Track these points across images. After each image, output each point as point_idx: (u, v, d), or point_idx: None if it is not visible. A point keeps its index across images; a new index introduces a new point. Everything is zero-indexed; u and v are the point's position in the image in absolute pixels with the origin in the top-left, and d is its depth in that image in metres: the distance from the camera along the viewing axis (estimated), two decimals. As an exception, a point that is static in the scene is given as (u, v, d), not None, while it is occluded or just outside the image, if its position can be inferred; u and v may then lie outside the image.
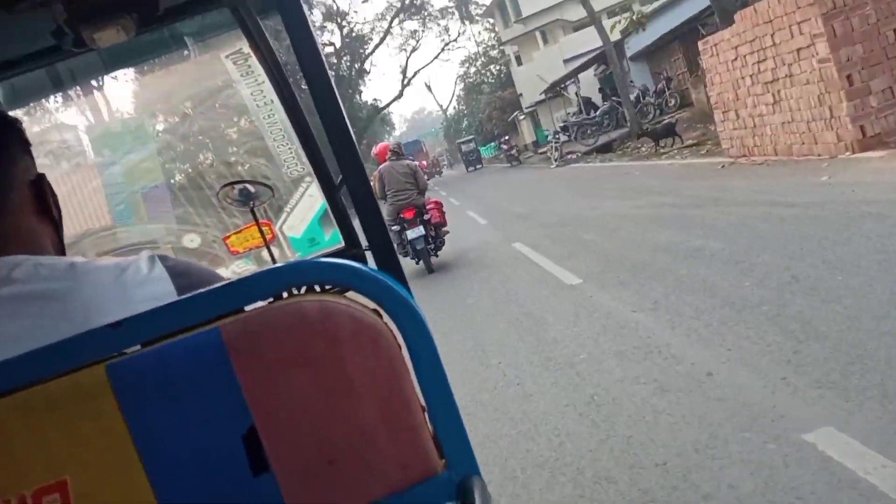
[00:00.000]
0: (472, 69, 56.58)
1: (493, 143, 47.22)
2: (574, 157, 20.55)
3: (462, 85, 59.22)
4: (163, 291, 0.85)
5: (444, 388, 0.69)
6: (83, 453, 0.63)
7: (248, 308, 0.69)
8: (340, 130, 0.95)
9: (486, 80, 54.61)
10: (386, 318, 0.69)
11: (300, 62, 0.97)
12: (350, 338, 0.66)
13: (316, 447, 0.65)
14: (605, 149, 19.76)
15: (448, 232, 8.67)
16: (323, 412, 0.65)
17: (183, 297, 0.70)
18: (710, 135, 13.44)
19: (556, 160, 20.71)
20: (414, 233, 7.76)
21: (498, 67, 51.34)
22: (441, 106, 73.42)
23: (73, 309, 0.79)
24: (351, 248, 2.04)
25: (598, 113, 22.69)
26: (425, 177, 8.11)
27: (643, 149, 16.63)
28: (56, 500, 0.62)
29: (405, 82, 44.27)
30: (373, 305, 0.69)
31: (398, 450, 0.67)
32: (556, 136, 22.11)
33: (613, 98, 22.34)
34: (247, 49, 2.79)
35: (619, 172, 14.73)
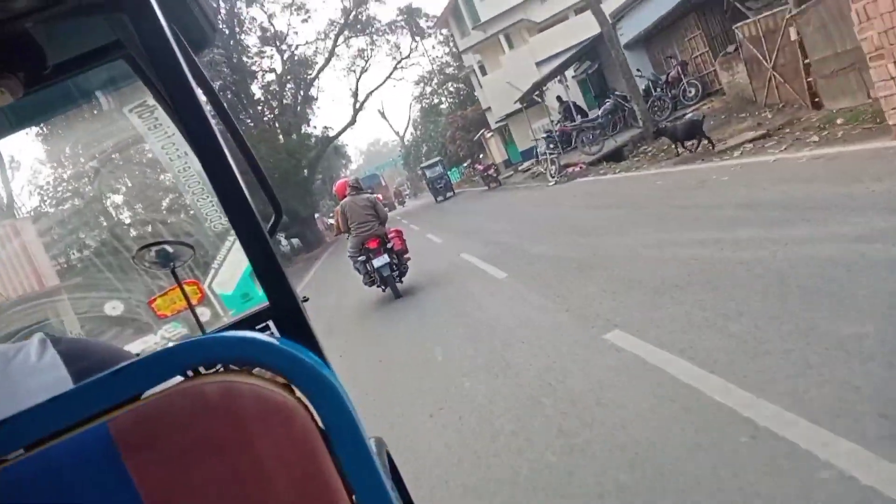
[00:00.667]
0: (429, 89, 53.92)
1: (458, 166, 44.54)
2: (577, 169, 16.72)
3: (419, 108, 57.00)
4: (54, 380, 0.77)
5: (370, 467, 0.64)
6: None
7: (146, 394, 0.64)
8: (221, 170, 0.89)
9: (444, 99, 52.27)
10: (299, 393, 0.64)
11: (159, 74, 0.88)
12: (257, 420, 0.61)
13: None
14: (615, 156, 16.34)
15: (410, 258, 9.25)
16: None
17: (70, 389, 0.64)
18: (797, 119, 9.52)
19: (553, 175, 17.29)
20: (380, 261, 8.17)
21: (457, 85, 48.89)
22: (397, 133, 70.94)
23: None
24: (280, 305, 1.96)
25: (599, 113, 19.22)
26: (385, 209, 8.78)
27: (662, 154, 13.18)
28: None
29: (357, 107, 40.75)
30: (283, 380, 0.64)
31: None
32: (551, 147, 18.88)
33: (616, 93, 19.18)
34: (151, 101, 2.71)
35: (678, 185, 8.89)
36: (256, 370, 0.64)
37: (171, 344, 0.65)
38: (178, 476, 0.59)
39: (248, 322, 2.09)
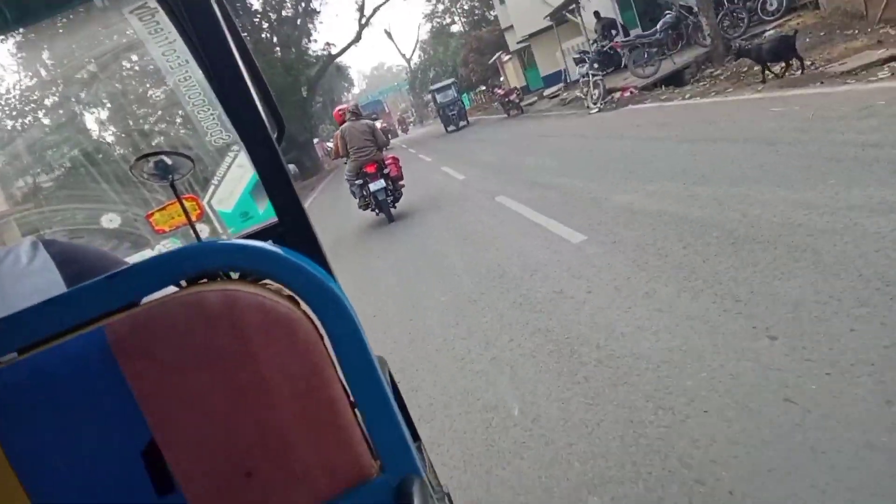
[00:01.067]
0: (441, 6, 50.04)
1: (470, 92, 41.01)
2: (628, 94, 14.05)
3: (428, 28, 53.32)
4: (46, 284, 0.75)
5: (375, 380, 0.63)
6: None
7: (144, 300, 0.62)
8: (232, 80, 0.85)
9: (457, 18, 48.20)
10: (304, 306, 0.62)
11: None
12: (260, 330, 0.59)
13: (228, 458, 0.59)
14: (673, 80, 13.87)
15: (404, 185, 9.63)
16: (234, 418, 0.59)
17: (64, 292, 0.62)
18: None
19: (596, 101, 14.64)
20: (376, 185, 8.45)
21: (472, 3, 44.88)
22: (404, 55, 68.20)
23: None
24: (288, 222, 1.95)
25: (658, 27, 16.21)
26: (387, 136, 9.49)
27: (742, 76, 10.65)
28: None
29: (363, 22, 37.07)
30: (287, 292, 0.62)
31: (323, 453, 0.62)
32: (595, 67, 15.81)
33: (680, 4, 16.23)
34: (152, 3, 2.60)
35: (827, 113, 6.11)
36: (261, 282, 0.62)
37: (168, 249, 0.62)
38: (176, 385, 0.58)
39: (253, 239, 2.07)
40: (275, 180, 0.84)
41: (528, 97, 26.80)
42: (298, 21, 35.23)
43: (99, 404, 0.57)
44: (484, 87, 40.72)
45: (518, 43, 29.52)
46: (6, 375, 0.58)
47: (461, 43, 43.81)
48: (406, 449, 0.64)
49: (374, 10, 41.95)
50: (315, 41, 37.49)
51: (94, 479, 0.58)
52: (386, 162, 9.11)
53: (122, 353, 0.57)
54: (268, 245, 0.61)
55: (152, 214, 6.36)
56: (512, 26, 29.64)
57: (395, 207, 9.23)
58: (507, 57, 33.14)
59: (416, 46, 66.83)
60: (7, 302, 0.71)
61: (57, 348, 0.58)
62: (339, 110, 9.15)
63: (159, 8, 2.40)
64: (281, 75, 30.13)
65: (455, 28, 50.20)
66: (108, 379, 0.57)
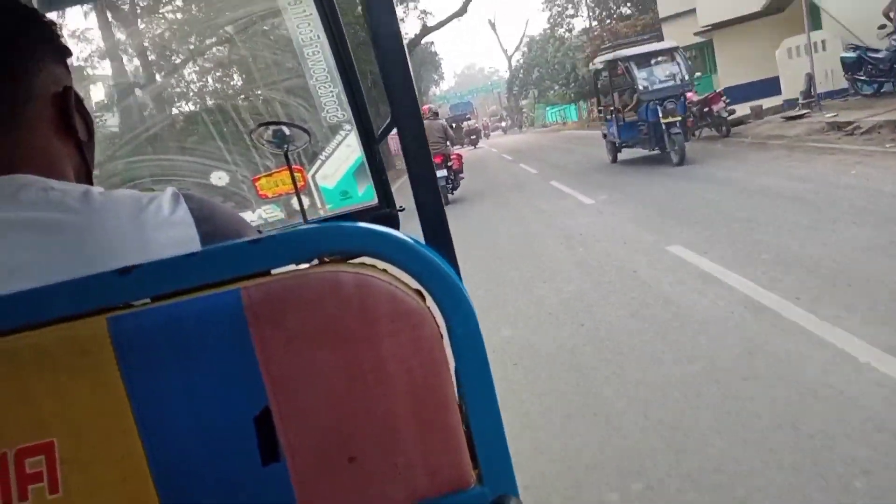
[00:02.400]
0: None
1: (586, 101, 34.12)
2: None
3: (538, 24, 48.46)
4: (184, 237, 0.79)
5: (488, 388, 0.63)
6: (74, 414, 0.59)
7: (275, 271, 0.64)
8: (399, 68, 0.88)
9: (584, 5, 38.64)
10: (429, 301, 0.63)
11: None
12: (388, 319, 0.60)
13: (336, 440, 0.61)
14: None
15: (464, 177, 12.42)
16: (348, 401, 0.60)
17: (205, 248, 0.65)
18: None
19: None
20: (439, 173, 10.06)
21: None
22: (505, 52, 63.06)
23: (81, 246, 0.73)
24: (385, 207, 2.00)
25: None
26: (471, 135, 11.45)
27: None
28: (40, 464, 0.58)
29: None
30: (415, 285, 0.63)
31: (428, 454, 0.62)
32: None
33: None
34: (298, -24, 2.73)
35: None
36: (388, 266, 0.63)
37: (305, 225, 0.64)
38: (300, 357, 0.60)
39: (347, 218, 2.14)
40: (419, 167, 0.86)
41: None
42: (396, -15, 33.34)
43: (224, 363, 0.60)
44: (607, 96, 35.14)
45: (698, 34, 21.10)
46: (141, 318, 0.61)
47: (582, 41, 37.21)
48: (508, 466, 0.64)
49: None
50: (415, 7, 33.11)
51: (204, 433, 0.61)
52: (451, 157, 11.33)
53: (253, 318, 0.59)
54: (406, 236, 0.62)
55: (259, 179, 6.64)
56: (676, 15, 22.08)
57: (452, 193, 11.63)
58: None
59: (520, 43, 60.14)
60: (148, 249, 0.75)
61: (192, 301, 0.61)
62: (423, 109, 10.41)
63: (303, -20, 2.51)
64: (364, 43, 28.26)
65: (579, 23, 43.47)
66: (236, 340, 0.59)
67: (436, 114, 11.47)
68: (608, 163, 14.95)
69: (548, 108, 53.50)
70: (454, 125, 25.78)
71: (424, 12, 35.33)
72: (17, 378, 0.59)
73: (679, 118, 11.85)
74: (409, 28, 31.74)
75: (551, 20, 46.46)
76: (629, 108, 13.85)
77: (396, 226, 2.12)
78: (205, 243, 0.79)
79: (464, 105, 51.40)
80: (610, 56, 14.58)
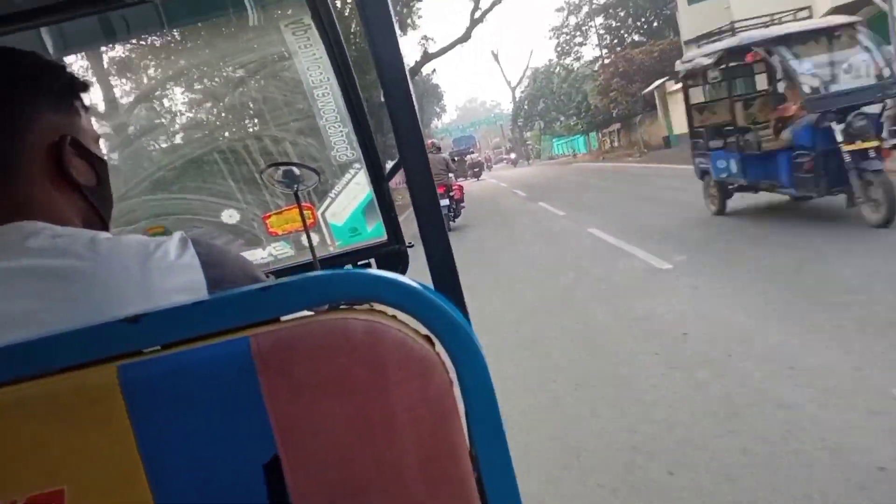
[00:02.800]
0: (573, 19, 40.32)
1: (596, 132, 33.80)
2: None
3: (555, 44, 43.35)
4: (191, 283, 0.79)
5: (499, 436, 0.63)
6: (84, 462, 0.59)
7: (284, 318, 0.64)
8: (404, 107, 0.89)
9: (594, 30, 36.61)
10: (438, 347, 0.63)
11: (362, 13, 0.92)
12: (397, 368, 0.60)
13: (345, 491, 0.60)
14: None
15: (465, 207, 13.10)
16: (357, 451, 0.60)
17: (215, 295, 0.66)
18: None
19: None
20: (442, 202, 10.99)
21: (613, 22, 34.75)
22: (509, 83, 62.37)
23: (90, 293, 0.74)
24: (394, 244, 2.02)
25: None
26: (473, 168, 12.72)
27: None
28: None
29: (476, 17, 30.24)
30: (424, 331, 0.63)
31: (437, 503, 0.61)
32: None
33: None
34: (308, 20, 2.79)
35: None
36: (397, 313, 0.63)
37: (318, 272, 0.65)
38: (309, 405, 0.60)
39: (357, 255, 2.16)
40: (426, 207, 0.87)
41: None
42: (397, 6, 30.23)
43: (232, 411, 0.60)
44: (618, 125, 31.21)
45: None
46: (150, 366, 0.61)
47: (592, 70, 34.92)
48: None
49: (492, 5, 31.03)
50: (415, 29, 30.65)
51: (213, 482, 0.60)
52: (453, 187, 12.36)
53: (262, 366, 0.59)
54: (414, 282, 0.62)
55: (269, 216, 6.70)
56: (702, 36, 16.14)
57: (454, 221, 12.47)
58: (675, 84, 21.25)
59: (524, 74, 60.31)
60: (154, 294, 0.76)
61: (201, 349, 0.61)
62: (428, 142, 11.20)
63: (312, 25, 2.57)
64: (364, 71, 27.42)
65: (587, 51, 41.70)
66: (245, 388, 0.59)
67: (438, 148, 12.73)
68: (710, 214, 9.64)
69: (554, 140, 53.51)
70: (457, 158, 25.43)
71: (426, 38, 33.66)
72: (27, 426, 0.59)
73: (874, 144, 6.79)
74: (409, 54, 30.90)
75: (558, 48, 44.24)
76: (762, 125, 8.86)
77: (406, 261, 2.13)
78: (212, 289, 0.80)
79: (467, 139, 52.31)
80: (729, 42, 8.77)
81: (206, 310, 0.62)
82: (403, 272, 0.84)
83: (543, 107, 50.57)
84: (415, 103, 0.92)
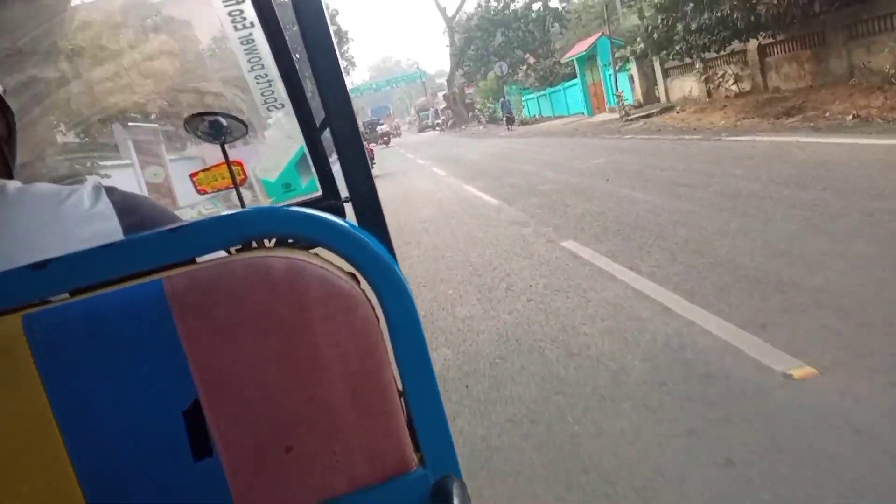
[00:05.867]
0: None
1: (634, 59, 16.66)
2: None
3: None
4: (106, 230, 0.77)
5: (426, 370, 0.63)
6: None
7: (200, 259, 0.62)
8: (327, 59, 0.87)
9: None
10: (363, 284, 0.62)
11: None
12: (320, 304, 0.59)
13: (271, 431, 0.59)
14: None
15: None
16: (283, 390, 0.59)
17: (124, 238, 0.63)
18: None
19: None
20: None
21: None
22: (443, 10, 41.94)
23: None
24: (329, 198, 1.98)
25: None
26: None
27: None
28: None
29: None
30: (349, 268, 0.62)
31: (367, 439, 0.61)
32: None
33: None
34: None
35: None
36: (321, 251, 0.62)
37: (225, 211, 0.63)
38: (229, 347, 0.58)
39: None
40: (351, 154, 0.85)
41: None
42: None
43: (148, 356, 0.58)
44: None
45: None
46: (59, 314, 0.59)
47: None
48: (449, 447, 0.64)
49: None
50: None
51: (132, 430, 0.58)
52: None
53: (178, 309, 0.57)
54: (336, 218, 0.61)
55: (196, 174, 6.48)
56: None
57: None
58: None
59: (462, 4, 42.35)
60: (67, 243, 0.72)
61: (112, 294, 0.59)
62: None
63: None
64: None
65: None
66: (160, 332, 0.57)
67: None
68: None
69: (523, 95, 36.10)
70: (368, 130, 29.83)
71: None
72: None
73: None
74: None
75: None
76: None
77: (342, 216, 2.10)
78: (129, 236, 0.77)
79: (381, 109, 61.21)
80: None
81: (114, 253, 0.59)
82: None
83: (503, 41, 34.12)
84: (335, 46, 0.90)
